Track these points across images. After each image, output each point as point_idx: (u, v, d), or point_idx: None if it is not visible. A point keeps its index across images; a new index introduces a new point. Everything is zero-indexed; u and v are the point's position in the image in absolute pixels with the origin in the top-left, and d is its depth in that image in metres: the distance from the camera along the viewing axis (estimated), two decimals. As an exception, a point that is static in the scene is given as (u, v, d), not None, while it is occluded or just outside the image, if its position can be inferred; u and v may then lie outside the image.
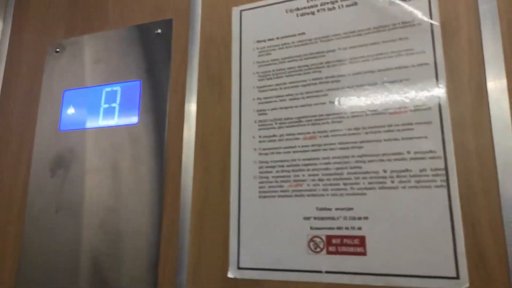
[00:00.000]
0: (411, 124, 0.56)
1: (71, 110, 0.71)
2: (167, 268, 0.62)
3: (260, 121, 0.63)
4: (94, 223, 0.66)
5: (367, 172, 0.57)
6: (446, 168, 0.53)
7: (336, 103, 0.60)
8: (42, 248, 0.68)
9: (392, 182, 0.55)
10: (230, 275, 0.60)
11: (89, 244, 0.65)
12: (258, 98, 0.64)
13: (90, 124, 0.70)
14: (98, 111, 0.70)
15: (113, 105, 0.69)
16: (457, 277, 0.50)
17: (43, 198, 0.70)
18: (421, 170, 0.54)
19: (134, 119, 0.67)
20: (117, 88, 0.69)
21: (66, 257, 0.66)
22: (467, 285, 0.50)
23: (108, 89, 0.70)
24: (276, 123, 0.62)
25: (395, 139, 0.56)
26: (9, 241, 0.74)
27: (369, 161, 0.57)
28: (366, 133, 0.58)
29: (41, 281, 0.67)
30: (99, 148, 0.68)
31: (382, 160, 0.56)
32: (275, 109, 0.63)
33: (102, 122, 0.69)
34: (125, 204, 0.65)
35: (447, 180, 0.53)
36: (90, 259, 0.65)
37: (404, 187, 0.55)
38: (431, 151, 0.54)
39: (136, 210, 0.64)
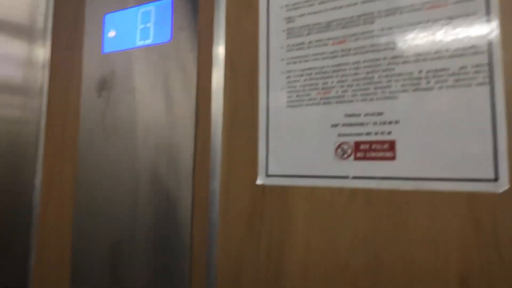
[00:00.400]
0: (451, 18, 0.50)
1: (112, 33, 0.75)
2: (202, 177, 0.66)
3: (288, 29, 0.61)
4: (135, 140, 0.71)
5: (400, 74, 0.53)
6: (490, 63, 0.48)
7: (368, 2, 0.56)
8: (96, 164, 0.75)
9: (428, 82, 0.51)
10: (259, 182, 0.61)
11: (132, 159, 0.71)
12: (286, 5, 0.62)
13: (128, 45, 0.73)
14: (135, 32, 0.72)
15: (148, 25, 0.71)
16: (496, 179, 0.47)
17: (92, 118, 0.76)
18: (461, 68, 0.50)
19: (167, 37, 0.69)
20: (151, 7, 0.70)
21: (117, 172, 0.72)
22: (507, 186, 0.46)
23: (143, 9, 0.71)
24: (304, 30, 0.60)
25: (433, 37, 0.51)
26: (66, 160, 0.83)
27: (403, 63, 0.53)
28: (401, 32, 0.53)
29: (98, 195, 0.74)
30: (136, 68, 0.72)
31: (417, 61, 0.52)
32: (303, 15, 0.60)
33: (139, 42, 0.72)
34: (161, 120, 0.68)
35: (491, 76, 0.48)
36: (134, 171, 0.70)
37: (440, 87, 0.51)
38: (473, 46, 0.49)
39: (171, 126, 0.67)
